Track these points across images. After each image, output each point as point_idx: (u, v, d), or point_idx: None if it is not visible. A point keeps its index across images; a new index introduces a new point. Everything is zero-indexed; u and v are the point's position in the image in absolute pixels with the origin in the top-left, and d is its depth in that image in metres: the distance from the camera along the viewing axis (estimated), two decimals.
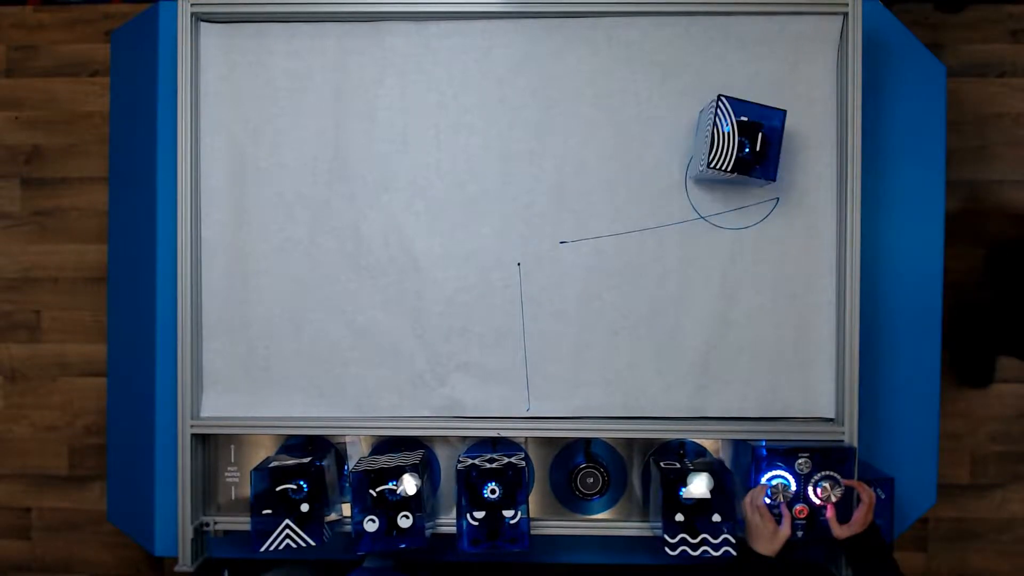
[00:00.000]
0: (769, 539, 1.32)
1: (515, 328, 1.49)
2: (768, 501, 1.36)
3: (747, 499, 1.35)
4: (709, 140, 1.33)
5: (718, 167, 1.34)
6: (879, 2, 1.54)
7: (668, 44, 1.46)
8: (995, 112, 2.19)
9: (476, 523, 1.34)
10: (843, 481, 1.35)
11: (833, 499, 1.35)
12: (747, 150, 1.34)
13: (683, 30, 1.46)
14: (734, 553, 1.34)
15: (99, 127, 2.31)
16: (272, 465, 1.38)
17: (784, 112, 1.36)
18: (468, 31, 1.47)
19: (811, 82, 1.45)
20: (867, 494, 1.34)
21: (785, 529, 1.33)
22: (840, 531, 1.33)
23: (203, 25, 1.48)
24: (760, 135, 1.35)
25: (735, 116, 1.33)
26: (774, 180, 1.37)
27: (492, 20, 1.47)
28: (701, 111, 1.43)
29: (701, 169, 1.37)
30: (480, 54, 1.47)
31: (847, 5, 1.41)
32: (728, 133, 1.32)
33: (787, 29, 1.45)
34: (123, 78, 1.62)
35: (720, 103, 1.33)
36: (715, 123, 1.33)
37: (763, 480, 1.37)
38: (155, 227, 1.56)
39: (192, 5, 1.45)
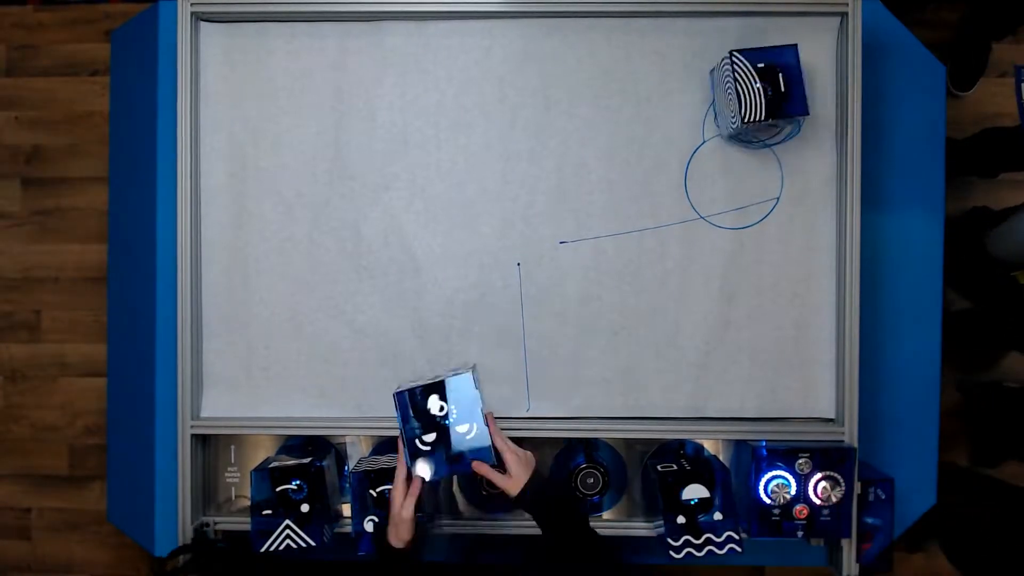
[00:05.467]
0: None
1: (515, 328, 1.49)
2: (768, 501, 1.36)
3: None
4: (735, 98, 1.34)
5: (753, 120, 1.35)
6: (879, 2, 1.54)
7: (668, 44, 1.47)
8: (995, 112, 2.19)
9: (427, 447, 1.29)
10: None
11: (834, 499, 1.36)
12: (771, 92, 1.35)
13: (682, 30, 1.46)
14: (739, 551, 1.34)
15: (99, 127, 2.31)
16: (272, 465, 1.38)
17: (795, 46, 1.36)
18: (468, 31, 1.47)
19: (810, 82, 1.45)
20: (498, 437, 1.26)
21: None
22: (506, 483, 1.24)
23: (203, 25, 1.48)
24: (780, 75, 1.35)
25: (752, 65, 1.34)
26: (807, 114, 1.37)
27: (492, 20, 1.47)
28: (712, 70, 1.45)
29: (735, 125, 1.38)
30: (480, 54, 1.47)
31: (847, 5, 1.41)
32: (752, 87, 1.34)
33: (786, 29, 1.45)
34: (123, 78, 1.62)
35: (734, 59, 1.34)
36: (736, 79, 1.34)
37: (763, 480, 1.37)
38: (155, 227, 1.56)
39: (192, 5, 1.45)
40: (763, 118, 1.34)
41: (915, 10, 2.09)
